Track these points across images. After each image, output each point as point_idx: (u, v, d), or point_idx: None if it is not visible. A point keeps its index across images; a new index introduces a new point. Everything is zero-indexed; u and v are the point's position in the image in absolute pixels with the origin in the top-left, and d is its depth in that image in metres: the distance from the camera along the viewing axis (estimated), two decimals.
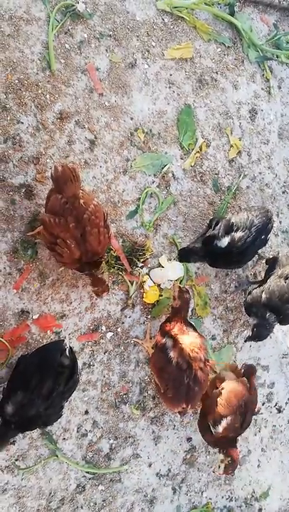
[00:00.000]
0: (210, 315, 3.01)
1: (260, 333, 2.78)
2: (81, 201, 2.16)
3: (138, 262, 2.72)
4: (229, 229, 2.59)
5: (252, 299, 2.78)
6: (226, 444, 2.62)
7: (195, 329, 2.54)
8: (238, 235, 2.56)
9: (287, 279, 2.65)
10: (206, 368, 2.36)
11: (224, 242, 2.57)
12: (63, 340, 2.25)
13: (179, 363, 2.29)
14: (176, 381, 2.30)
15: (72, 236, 2.12)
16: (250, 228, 2.57)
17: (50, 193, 2.21)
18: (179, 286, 2.55)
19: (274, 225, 3.26)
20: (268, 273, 2.83)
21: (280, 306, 2.67)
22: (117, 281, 2.71)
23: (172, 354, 2.32)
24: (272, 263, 2.86)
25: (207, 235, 2.73)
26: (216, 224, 2.70)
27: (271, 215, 2.69)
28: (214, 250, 2.62)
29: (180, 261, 2.82)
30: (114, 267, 2.65)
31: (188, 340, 2.38)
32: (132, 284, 2.70)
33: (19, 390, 2.09)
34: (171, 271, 2.82)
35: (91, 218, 2.15)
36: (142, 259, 2.72)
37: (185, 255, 2.73)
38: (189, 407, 2.33)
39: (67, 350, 2.19)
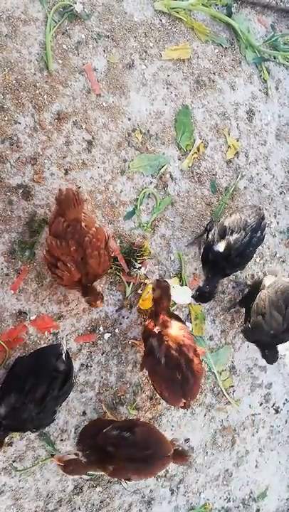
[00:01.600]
0: (208, 316, 3.02)
1: (270, 361, 2.86)
2: (83, 224, 2.21)
3: (136, 263, 2.71)
4: (223, 233, 2.58)
5: (245, 333, 2.82)
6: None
7: (179, 319, 2.50)
8: (234, 237, 2.56)
9: (263, 315, 2.59)
10: (197, 357, 2.32)
11: (221, 246, 2.57)
12: (60, 344, 2.24)
13: (167, 361, 2.27)
14: (169, 381, 2.29)
15: (72, 259, 2.16)
16: (244, 229, 2.56)
17: (53, 216, 2.24)
18: (157, 279, 2.53)
19: (271, 226, 3.28)
20: (248, 305, 2.80)
21: (271, 341, 2.69)
22: (115, 282, 2.70)
23: (160, 354, 2.29)
24: (249, 295, 2.85)
25: (202, 243, 2.74)
26: (210, 229, 2.70)
27: (263, 213, 2.67)
28: (214, 259, 2.62)
29: (203, 302, 2.85)
30: (112, 268, 2.65)
31: (173, 334, 2.34)
32: (128, 285, 2.69)
33: (13, 392, 2.07)
34: (181, 295, 2.82)
35: (92, 241, 2.19)
36: (139, 261, 2.71)
37: (205, 297, 2.77)
38: (189, 399, 2.32)
39: (63, 354, 2.17)
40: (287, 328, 2.57)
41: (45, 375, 2.11)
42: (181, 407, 2.34)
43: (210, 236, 2.66)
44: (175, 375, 2.28)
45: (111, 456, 2.20)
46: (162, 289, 2.45)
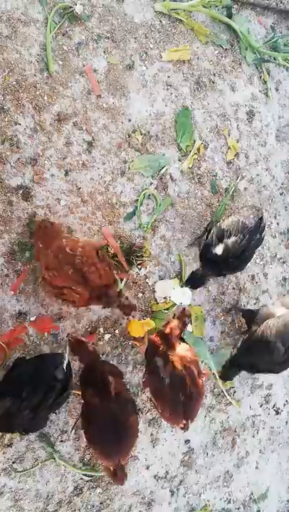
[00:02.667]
0: (208, 317, 3.02)
1: (227, 377, 2.95)
2: (67, 249, 2.22)
3: (135, 264, 2.71)
4: (221, 236, 2.58)
5: (240, 352, 2.82)
6: None
7: (185, 341, 2.50)
8: (232, 240, 2.55)
9: (268, 343, 2.60)
10: (200, 381, 2.31)
11: (219, 249, 2.58)
12: (62, 354, 2.22)
13: (172, 381, 2.25)
14: (173, 401, 2.26)
15: (75, 281, 2.19)
16: (242, 231, 2.55)
17: (36, 250, 2.29)
18: (184, 309, 2.52)
19: (272, 227, 3.28)
20: (250, 321, 2.84)
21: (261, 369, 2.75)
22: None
23: (164, 374, 2.27)
24: (250, 317, 2.86)
25: (202, 243, 2.74)
26: (209, 231, 2.71)
27: (262, 213, 2.64)
28: (212, 259, 2.63)
29: (193, 288, 2.85)
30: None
31: (179, 354, 2.34)
32: (120, 281, 2.67)
33: (9, 395, 2.06)
34: (180, 297, 2.82)
35: (83, 260, 2.22)
36: (138, 261, 2.71)
37: (198, 282, 2.78)
38: (189, 421, 2.29)
39: (64, 364, 2.17)
40: (282, 362, 2.61)
41: (43, 383, 2.10)
42: (181, 428, 2.31)
43: (209, 238, 2.66)
44: (178, 396, 2.25)
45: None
46: (181, 322, 2.45)
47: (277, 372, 2.73)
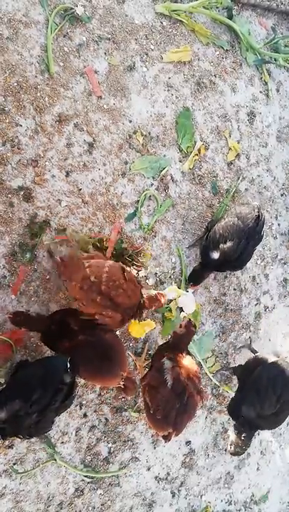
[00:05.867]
0: (209, 317, 3.01)
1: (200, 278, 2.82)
2: (92, 278, 2.18)
3: (133, 264, 2.71)
4: (217, 243, 2.58)
5: (233, 404, 2.73)
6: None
7: (192, 356, 2.48)
8: (228, 245, 2.55)
9: (258, 391, 2.55)
10: (198, 397, 2.29)
11: (216, 255, 2.60)
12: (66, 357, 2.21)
13: (174, 386, 2.21)
14: (168, 404, 2.21)
15: (104, 306, 2.20)
16: (238, 236, 2.53)
17: (64, 282, 2.29)
18: (189, 319, 2.50)
19: (273, 228, 3.28)
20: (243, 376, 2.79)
21: (253, 421, 2.63)
22: None
23: (169, 376, 2.24)
24: (240, 373, 2.82)
25: (202, 244, 2.75)
26: (209, 231, 2.71)
27: (258, 210, 2.59)
28: (211, 263, 2.66)
29: (196, 284, 2.84)
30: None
31: (186, 364, 2.32)
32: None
33: (18, 398, 2.04)
34: (186, 304, 2.83)
35: (109, 285, 2.19)
36: (136, 263, 2.70)
37: (197, 278, 2.79)
38: (174, 433, 2.25)
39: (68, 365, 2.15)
40: (272, 414, 2.57)
41: (52, 386, 2.09)
42: (163, 437, 2.26)
43: (206, 241, 2.66)
44: (175, 402, 2.21)
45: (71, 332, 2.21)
46: (188, 331, 2.42)
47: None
